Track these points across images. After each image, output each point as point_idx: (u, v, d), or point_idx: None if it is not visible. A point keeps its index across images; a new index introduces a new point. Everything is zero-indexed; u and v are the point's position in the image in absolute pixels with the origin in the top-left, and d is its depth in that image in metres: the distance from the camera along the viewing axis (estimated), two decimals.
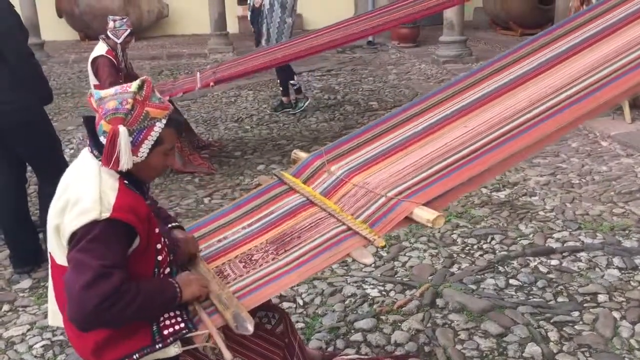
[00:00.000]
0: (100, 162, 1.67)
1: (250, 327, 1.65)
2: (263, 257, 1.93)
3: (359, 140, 2.43)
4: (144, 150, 1.67)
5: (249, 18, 6.70)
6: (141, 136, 1.66)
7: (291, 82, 6.76)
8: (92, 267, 1.54)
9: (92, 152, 1.71)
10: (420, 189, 1.98)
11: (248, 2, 6.60)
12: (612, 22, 2.75)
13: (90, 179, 1.65)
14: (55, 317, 1.84)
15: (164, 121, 1.68)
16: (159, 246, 1.74)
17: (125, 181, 1.69)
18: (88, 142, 1.74)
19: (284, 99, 6.86)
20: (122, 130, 1.62)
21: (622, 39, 2.58)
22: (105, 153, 1.63)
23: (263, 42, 6.49)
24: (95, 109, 1.68)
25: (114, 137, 1.61)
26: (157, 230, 1.74)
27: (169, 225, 1.98)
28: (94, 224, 1.57)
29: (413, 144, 2.32)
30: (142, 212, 1.68)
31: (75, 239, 1.59)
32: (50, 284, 1.83)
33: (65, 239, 1.62)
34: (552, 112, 2.20)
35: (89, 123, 1.73)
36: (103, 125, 1.65)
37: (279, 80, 6.89)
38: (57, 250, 1.70)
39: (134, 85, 1.67)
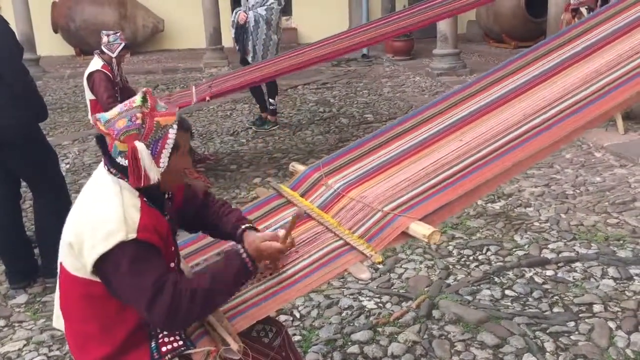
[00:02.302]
0: (118, 179, 1.66)
1: (237, 353, 1.65)
2: (261, 272, 1.93)
3: (356, 153, 2.44)
4: (164, 159, 1.65)
5: (232, 35, 6.64)
6: (158, 146, 1.64)
7: (271, 100, 6.74)
8: (147, 287, 1.58)
9: (109, 169, 1.69)
10: (416, 204, 1.99)
11: (232, 19, 6.58)
12: (604, 36, 2.79)
13: (112, 196, 1.64)
14: (58, 320, 1.84)
15: (175, 126, 1.66)
16: (172, 264, 1.75)
17: (144, 198, 1.68)
18: (104, 160, 1.72)
19: (263, 114, 6.84)
20: (140, 145, 1.60)
21: (614, 52, 2.62)
22: (131, 172, 1.62)
23: (249, 59, 6.45)
24: (105, 132, 1.65)
25: (134, 155, 1.60)
26: (172, 248, 1.76)
27: (243, 227, 1.93)
28: (122, 245, 1.57)
29: (409, 158, 2.33)
30: (163, 231, 1.70)
31: (111, 263, 1.59)
32: (57, 290, 1.81)
33: (90, 260, 1.60)
34: (546, 126, 2.22)
35: (102, 142, 1.70)
36: (118, 146, 1.62)
37: (267, 98, 6.82)
38: (69, 261, 1.69)
39: (137, 99, 1.65)
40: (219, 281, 1.68)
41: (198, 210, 1.98)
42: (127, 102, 1.68)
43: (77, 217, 1.68)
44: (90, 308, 1.69)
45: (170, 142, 1.65)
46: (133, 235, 1.58)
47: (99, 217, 1.61)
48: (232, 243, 1.95)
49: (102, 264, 1.59)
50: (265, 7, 6.32)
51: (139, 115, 1.62)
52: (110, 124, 1.64)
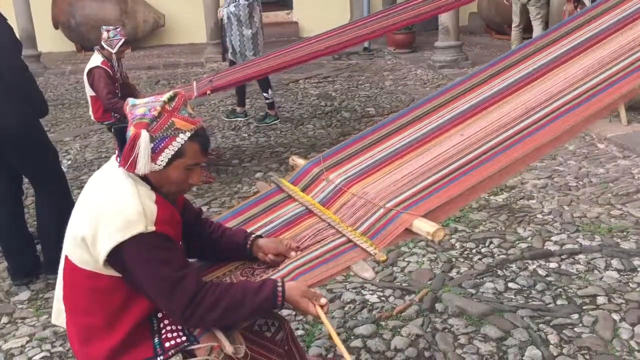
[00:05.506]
0: (133, 173, 1.69)
1: (241, 350, 1.66)
2: (264, 270, 1.92)
3: (357, 147, 2.42)
4: (163, 159, 1.68)
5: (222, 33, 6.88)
6: (162, 144, 1.67)
7: (265, 94, 6.73)
8: (168, 276, 1.61)
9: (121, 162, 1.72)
10: (418, 200, 1.97)
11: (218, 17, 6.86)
12: (606, 26, 2.76)
13: (127, 188, 1.66)
14: (59, 316, 1.85)
15: (188, 134, 1.69)
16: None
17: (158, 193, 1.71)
18: (117, 153, 1.76)
19: (239, 108, 6.90)
20: (144, 134, 1.64)
21: (616, 43, 2.59)
22: (123, 155, 1.65)
23: (229, 55, 6.56)
24: (127, 115, 1.70)
25: (134, 140, 1.63)
26: (180, 243, 1.78)
27: (253, 236, 1.98)
28: (140, 236, 1.60)
29: (410, 152, 2.31)
30: (177, 224, 1.72)
31: (129, 252, 1.61)
32: (59, 284, 1.83)
33: (105, 249, 1.61)
34: (547, 120, 2.20)
35: (119, 134, 1.75)
36: (130, 130, 1.67)
37: (262, 92, 6.81)
38: (77, 254, 1.69)
39: (165, 95, 1.70)
40: (249, 300, 1.67)
41: (195, 223, 1.97)
42: (159, 95, 1.72)
43: (89, 209, 1.69)
44: (94, 301, 1.70)
45: (175, 145, 1.67)
46: (152, 228, 1.61)
47: (117, 208, 1.63)
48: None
49: (119, 253, 1.61)
50: (235, 3, 6.38)
51: (158, 108, 1.66)
52: (133, 109, 1.69)
